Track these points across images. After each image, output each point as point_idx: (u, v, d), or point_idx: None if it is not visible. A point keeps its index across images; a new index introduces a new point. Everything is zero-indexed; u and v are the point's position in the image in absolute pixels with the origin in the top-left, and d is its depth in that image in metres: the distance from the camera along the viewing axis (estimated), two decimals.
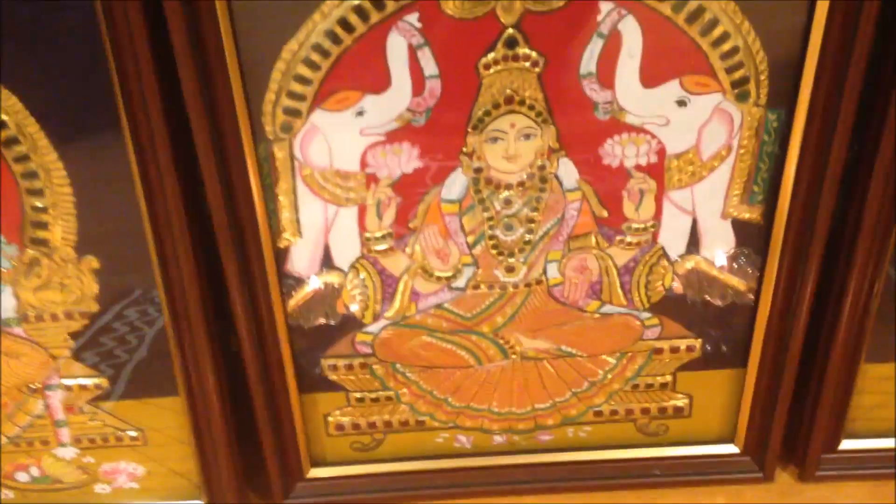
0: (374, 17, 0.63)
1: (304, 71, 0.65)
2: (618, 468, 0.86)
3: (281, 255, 0.74)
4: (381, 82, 0.66)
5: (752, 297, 0.78)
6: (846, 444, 0.86)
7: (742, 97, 0.68)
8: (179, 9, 0.60)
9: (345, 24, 0.63)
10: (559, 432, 0.87)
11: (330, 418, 0.84)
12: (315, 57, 0.65)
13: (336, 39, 0.64)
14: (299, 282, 0.76)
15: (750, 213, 0.74)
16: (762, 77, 0.67)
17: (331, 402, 0.83)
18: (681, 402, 0.85)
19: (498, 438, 0.87)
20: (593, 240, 0.75)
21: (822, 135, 0.68)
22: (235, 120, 0.65)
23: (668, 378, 0.83)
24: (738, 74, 0.67)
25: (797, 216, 0.72)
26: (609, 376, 0.83)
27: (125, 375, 0.79)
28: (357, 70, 0.65)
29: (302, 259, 0.75)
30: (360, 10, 0.63)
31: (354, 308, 0.78)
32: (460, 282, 0.76)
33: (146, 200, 0.68)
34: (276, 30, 0.63)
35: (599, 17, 0.64)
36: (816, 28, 0.64)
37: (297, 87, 0.66)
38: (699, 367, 0.83)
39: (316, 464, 0.86)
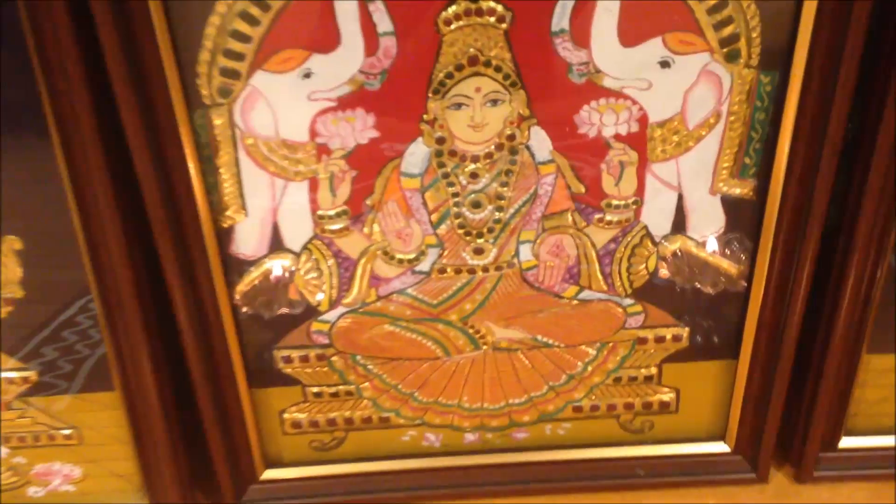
0: None
1: (241, 26, 0.58)
2: (599, 468, 0.81)
3: (224, 236, 0.67)
4: (329, 40, 0.59)
5: (744, 281, 0.72)
6: (846, 442, 0.80)
7: (732, 57, 0.61)
8: None
9: None
10: (536, 429, 0.81)
11: (285, 415, 0.78)
12: (253, 10, 0.58)
13: None
14: (246, 265, 0.69)
15: (741, 189, 0.67)
16: (754, 34, 0.60)
17: (286, 397, 0.77)
18: (667, 396, 0.78)
19: (469, 436, 0.81)
20: (570, 218, 0.68)
21: (820, 100, 0.62)
22: (165, 82, 0.59)
23: (654, 370, 0.77)
24: (726, 31, 0.60)
25: (793, 192, 0.66)
26: (589, 368, 0.77)
27: (67, 370, 0.72)
28: (302, 26, 0.59)
29: (248, 240, 0.68)
30: None
31: (308, 294, 0.71)
32: (424, 265, 0.70)
33: (69, 175, 0.61)
34: None
35: None
36: None
37: (234, 45, 0.59)
38: (687, 358, 0.77)
39: (271, 464, 0.80)
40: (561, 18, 0.59)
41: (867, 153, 0.64)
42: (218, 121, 0.63)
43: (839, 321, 0.72)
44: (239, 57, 0.60)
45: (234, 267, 0.69)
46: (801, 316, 0.71)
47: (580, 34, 0.60)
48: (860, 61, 0.59)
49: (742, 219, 0.69)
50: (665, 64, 0.62)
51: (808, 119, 0.63)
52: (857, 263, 0.68)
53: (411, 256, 0.70)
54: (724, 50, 0.61)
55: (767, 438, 0.78)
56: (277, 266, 0.70)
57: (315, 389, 0.77)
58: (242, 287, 0.71)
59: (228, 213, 0.67)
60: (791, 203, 0.67)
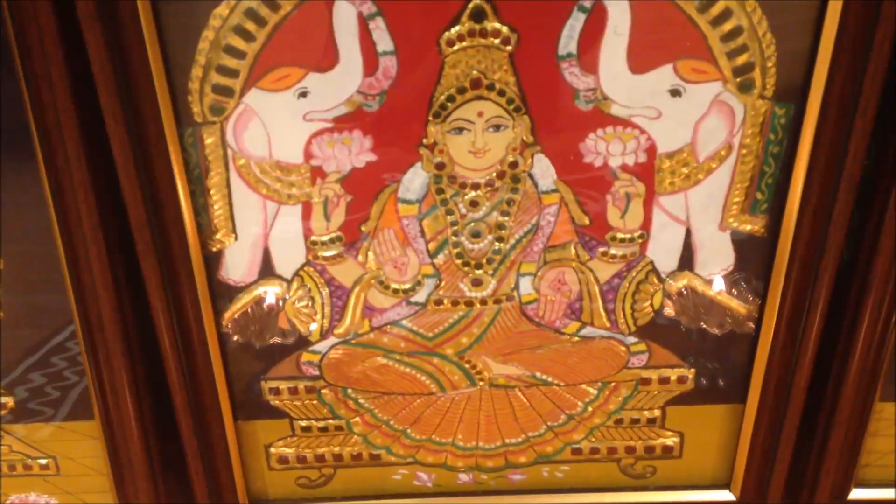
0: None
1: (235, 42, 0.56)
2: None
3: (213, 261, 0.65)
4: (326, 58, 0.57)
5: (752, 322, 0.69)
6: (856, 494, 0.76)
7: (745, 87, 0.59)
8: None
9: None
10: (533, 471, 0.78)
11: (272, 449, 0.75)
12: (249, 25, 0.56)
13: (273, 5, 0.55)
14: (235, 292, 0.66)
15: (752, 225, 0.64)
16: (769, 64, 0.58)
17: (273, 430, 0.74)
18: (670, 440, 0.75)
19: (463, 477, 0.78)
20: (572, 251, 0.65)
21: (837, 134, 0.59)
22: (155, 98, 0.56)
23: (657, 413, 0.74)
24: (740, 60, 0.58)
25: (806, 229, 0.63)
26: (589, 409, 0.74)
27: (54, 396, 0.70)
28: (298, 43, 0.56)
29: (237, 265, 0.65)
30: None
31: (299, 323, 0.68)
32: (420, 296, 0.67)
33: (52, 190, 0.58)
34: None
35: None
36: (832, 8, 0.55)
37: (228, 61, 0.57)
38: (692, 401, 0.74)
39: (256, 501, 0.77)
40: (568, 42, 0.57)
41: (885, 190, 0.61)
42: (209, 140, 0.60)
43: (852, 366, 0.69)
44: (232, 74, 0.58)
45: (223, 293, 0.67)
46: (813, 360, 0.68)
47: (588, 59, 0.58)
48: (881, 93, 0.57)
49: (752, 256, 0.66)
50: (676, 92, 0.59)
51: (824, 154, 0.60)
52: (872, 305, 0.66)
53: (407, 286, 0.67)
54: (738, 79, 0.59)
55: (775, 488, 0.75)
56: (268, 293, 0.67)
57: (303, 423, 0.74)
58: (230, 314, 0.68)
59: (218, 236, 0.64)
60: (804, 241, 0.64)
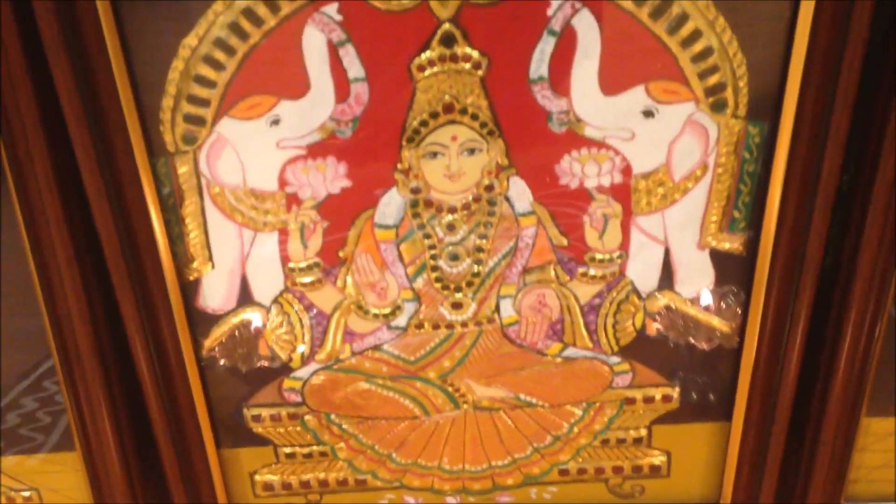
0: (286, 7, 0.54)
1: (206, 71, 0.56)
2: None
3: (190, 289, 0.64)
4: (297, 86, 0.57)
5: (735, 339, 0.68)
6: None
7: (718, 107, 0.59)
8: None
9: (251, 15, 0.54)
10: (520, 493, 0.77)
11: (256, 477, 0.74)
12: (218, 55, 0.56)
13: (242, 34, 0.55)
14: (214, 320, 0.66)
15: (730, 243, 0.64)
16: (741, 84, 0.58)
17: (257, 458, 0.74)
18: (657, 459, 0.75)
19: (451, 500, 0.77)
20: (552, 272, 0.65)
21: (811, 151, 0.59)
22: (125, 129, 0.56)
23: (643, 432, 0.74)
24: (712, 80, 0.58)
25: (785, 246, 0.63)
26: (575, 429, 0.73)
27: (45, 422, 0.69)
28: (269, 71, 0.56)
29: (215, 293, 0.65)
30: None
31: (280, 350, 0.68)
32: (400, 320, 0.67)
33: (25, 224, 0.58)
34: (170, 21, 0.54)
35: (550, 11, 0.55)
36: (802, 27, 0.55)
37: (198, 91, 0.57)
38: (678, 419, 0.74)
39: None
40: (539, 65, 0.57)
41: (863, 204, 0.61)
42: (182, 169, 0.60)
43: (836, 382, 0.69)
44: (203, 103, 0.58)
45: (201, 321, 0.66)
46: (797, 375, 0.68)
47: (560, 82, 0.58)
48: (853, 109, 0.57)
49: (732, 274, 0.66)
50: (648, 113, 0.59)
51: (799, 171, 0.60)
52: (854, 320, 0.65)
53: (387, 311, 0.67)
54: (710, 99, 0.59)
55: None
56: (247, 321, 0.67)
57: (287, 450, 0.74)
58: (210, 343, 0.68)
59: (194, 265, 0.64)
60: (783, 258, 0.64)
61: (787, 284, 0.65)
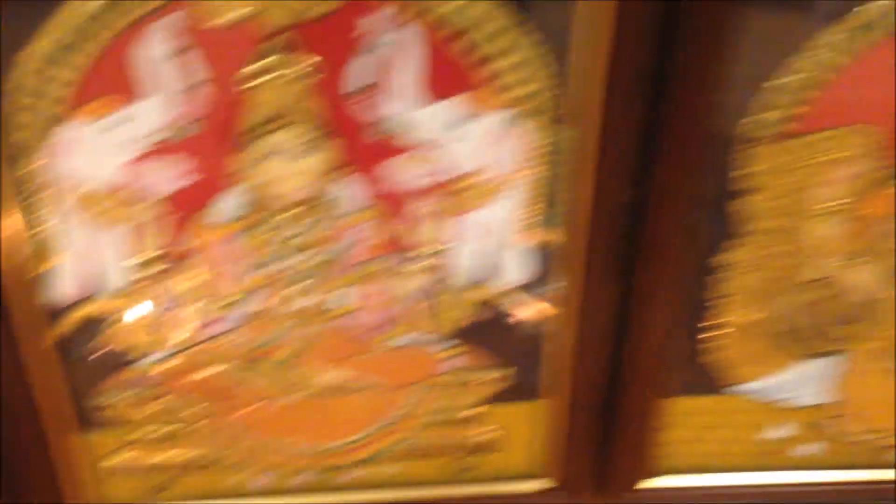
0: (124, 17, 0.58)
1: (53, 73, 0.59)
2: None
3: (40, 281, 0.67)
4: (140, 89, 0.61)
5: (553, 324, 0.75)
6: (659, 482, 0.83)
7: (530, 113, 0.65)
8: None
9: (92, 22, 0.58)
10: (367, 469, 0.83)
11: (107, 461, 0.77)
12: (64, 58, 0.59)
13: (85, 39, 0.58)
14: (66, 309, 0.69)
15: (547, 237, 0.71)
16: (550, 92, 0.64)
17: (109, 442, 0.77)
18: (490, 436, 0.81)
19: (302, 477, 0.81)
20: (385, 264, 0.71)
21: (615, 151, 0.65)
22: None
23: (476, 411, 0.80)
24: (523, 89, 0.64)
25: (596, 239, 0.69)
26: (413, 409, 0.79)
27: None
28: (111, 76, 0.60)
29: (67, 284, 0.68)
30: (106, 9, 0.57)
31: (131, 337, 0.71)
32: (246, 308, 0.71)
33: None
34: (15, 26, 0.57)
35: (373, 26, 0.60)
36: (605, 36, 0.61)
37: (48, 90, 0.60)
38: (508, 399, 0.80)
39: None
40: (364, 74, 0.62)
41: (657, 195, 0.68)
42: (32, 166, 0.63)
43: (636, 364, 0.76)
44: (53, 102, 0.61)
45: (53, 311, 0.69)
46: (608, 358, 0.75)
47: (384, 90, 0.63)
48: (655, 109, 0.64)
49: (550, 264, 0.73)
50: (468, 119, 0.65)
51: (606, 171, 0.67)
52: (650, 310, 0.73)
53: (232, 300, 0.71)
54: (522, 106, 0.65)
55: (582, 476, 0.82)
56: (97, 311, 0.70)
57: (140, 433, 0.77)
58: (59, 332, 0.71)
59: (44, 257, 0.67)
60: (595, 251, 0.71)
61: (598, 273, 0.72)
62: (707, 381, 0.81)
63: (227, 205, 0.67)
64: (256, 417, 0.78)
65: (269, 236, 0.69)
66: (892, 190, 0.70)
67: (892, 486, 0.84)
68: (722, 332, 0.78)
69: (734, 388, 0.81)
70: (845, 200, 0.70)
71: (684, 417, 0.82)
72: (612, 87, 0.63)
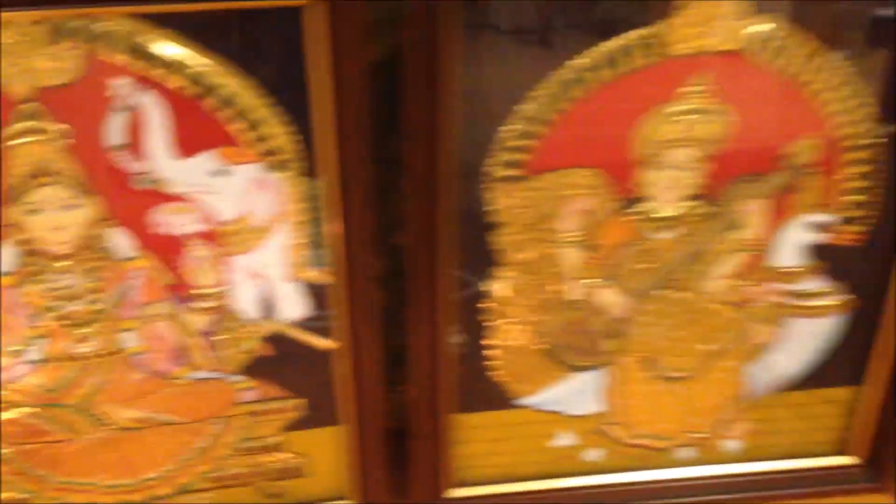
0: None
1: None
2: None
3: None
4: None
5: (334, 355, 0.80)
6: (461, 493, 0.89)
7: (279, 166, 0.71)
8: None
9: None
10: (179, 500, 0.86)
11: None
12: None
13: None
14: None
15: (317, 275, 0.76)
16: (293, 146, 0.70)
17: None
18: (293, 462, 0.86)
19: None
20: (165, 307, 0.75)
21: (357, 196, 0.72)
22: None
23: (277, 439, 0.84)
24: (270, 144, 0.70)
25: (357, 276, 0.75)
26: (215, 442, 0.83)
27: None
28: None
29: None
30: None
31: None
32: (34, 355, 0.75)
33: None
34: None
35: (115, 92, 0.65)
36: (329, 95, 0.67)
37: None
38: (306, 425, 0.85)
39: None
40: (117, 134, 0.67)
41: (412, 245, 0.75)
42: None
43: (421, 384, 0.82)
44: None
45: None
46: (384, 384, 0.81)
47: (136, 147, 0.68)
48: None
49: (323, 300, 0.78)
50: (221, 173, 0.70)
51: (354, 215, 0.73)
52: (419, 339, 0.79)
53: (19, 348, 0.75)
54: (272, 159, 0.71)
55: (382, 495, 0.88)
56: None
57: None
58: None
59: None
60: (358, 286, 0.76)
61: (364, 306, 0.78)
62: (494, 397, 0.87)
63: (5, 257, 0.70)
64: (62, 457, 0.81)
65: (47, 286, 0.72)
66: (623, 221, 0.78)
67: (671, 485, 0.92)
68: (500, 351, 0.84)
69: (518, 402, 0.87)
70: (582, 232, 0.77)
71: (476, 432, 0.88)
72: (343, 141, 0.69)
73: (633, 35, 0.69)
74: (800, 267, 0.81)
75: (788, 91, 0.72)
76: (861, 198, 0.77)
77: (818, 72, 0.71)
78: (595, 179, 0.75)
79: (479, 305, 0.81)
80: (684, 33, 0.69)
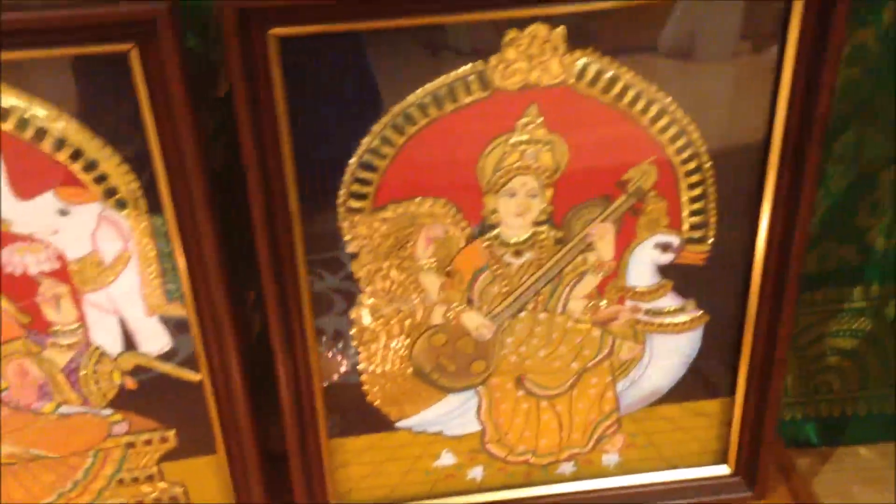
0: None
1: None
2: None
3: None
4: None
5: (200, 383, 0.81)
6: None
7: (120, 205, 0.72)
8: None
9: None
10: None
11: None
12: None
13: None
14: None
15: (174, 309, 0.77)
16: (135, 186, 0.71)
17: None
18: (173, 490, 0.87)
19: None
20: (25, 345, 0.76)
21: (197, 233, 0.73)
22: None
23: (154, 470, 0.86)
24: (107, 185, 0.71)
25: (205, 309, 0.77)
26: (90, 475, 0.84)
27: None
28: None
29: None
30: None
31: None
32: None
33: None
34: None
35: None
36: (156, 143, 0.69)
37: None
38: (183, 455, 0.86)
39: None
40: None
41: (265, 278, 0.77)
42: None
43: (293, 410, 0.84)
44: None
45: None
46: (249, 411, 0.82)
47: None
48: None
49: (182, 331, 0.79)
50: (64, 212, 0.72)
51: (194, 249, 0.74)
52: (284, 365, 0.80)
53: None
54: (111, 199, 0.72)
55: None
56: None
57: None
58: None
59: None
60: (209, 316, 0.78)
61: (217, 335, 0.79)
62: (373, 421, 0.88)
63: None
64: None
65: None
66: (476, 247, 0.79)
67: (554, 500, 0.93)
68: (370, 376, 0.85)
69: (398, 425, 0.88)
70: (437, 258, 0.79)
71: (358, 454, 0.90)
72: (175, 179, 0.70)
73: (462, 70, 0.71)
74: (653, 286, 0.82)
75: (620, 118, 0.73)
76: (699, 218, 0.79)
77: (644, 99, 0.73)
78: (443, 208, 0.76)
79: (345, 331, 0.82)
80: (513, 68, 0.70)
